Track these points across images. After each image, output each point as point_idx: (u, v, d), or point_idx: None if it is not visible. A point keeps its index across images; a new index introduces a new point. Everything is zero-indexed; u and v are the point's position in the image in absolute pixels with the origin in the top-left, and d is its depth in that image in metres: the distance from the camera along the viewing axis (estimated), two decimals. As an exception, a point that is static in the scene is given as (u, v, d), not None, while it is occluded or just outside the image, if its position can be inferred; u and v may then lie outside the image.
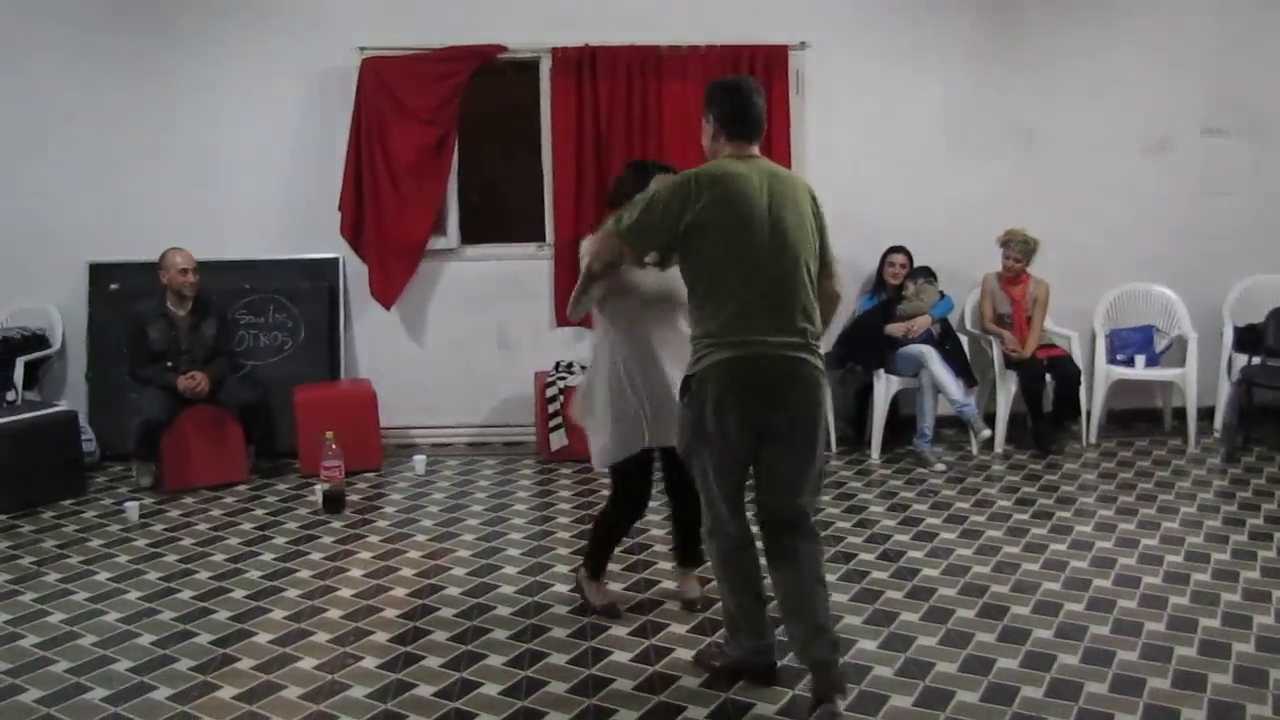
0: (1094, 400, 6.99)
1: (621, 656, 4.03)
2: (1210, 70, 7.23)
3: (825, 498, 5.95)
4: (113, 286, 6.87)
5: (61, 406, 6.44)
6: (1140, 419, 7.42)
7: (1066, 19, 7.14)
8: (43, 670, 3.99)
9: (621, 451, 4.13)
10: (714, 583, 3.98)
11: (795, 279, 3.56)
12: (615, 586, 4.66)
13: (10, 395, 6.55)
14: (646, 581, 4.77)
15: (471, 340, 7.06)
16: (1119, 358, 7.08)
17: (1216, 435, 7.03)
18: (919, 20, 7.10)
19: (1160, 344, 7.12)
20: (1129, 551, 5.02)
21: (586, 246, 3.98)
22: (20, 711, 3.69)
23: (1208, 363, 6.98)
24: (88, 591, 4.75)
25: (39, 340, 6.88)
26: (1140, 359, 7.01)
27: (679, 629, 4.27)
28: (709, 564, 3.98)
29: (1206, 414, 7.13)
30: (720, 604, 3.93)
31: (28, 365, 6.72)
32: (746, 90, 3.66)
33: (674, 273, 3.81)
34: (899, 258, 6.88)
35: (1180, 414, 7.03)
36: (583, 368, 6.85)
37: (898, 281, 6.87)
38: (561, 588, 4.70)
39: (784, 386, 3.54)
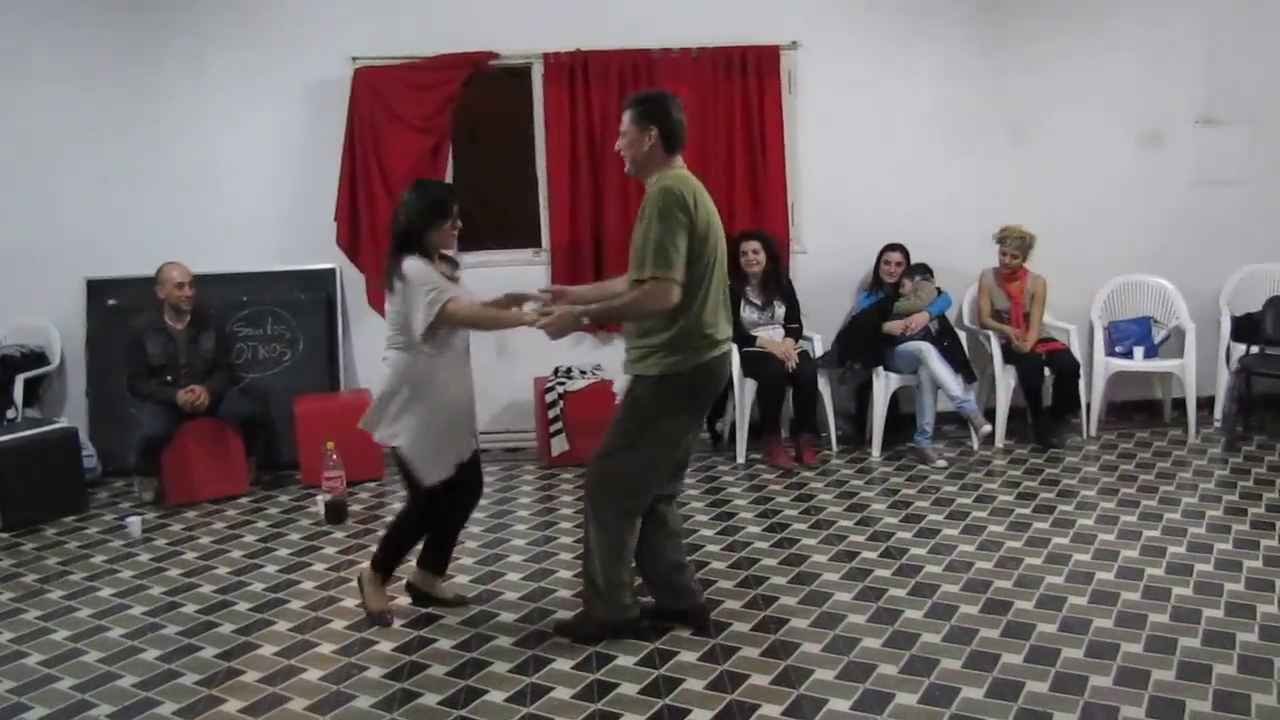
0: (1093, 393, 7.00)
1: (626, 660, 4.03)
2: (1204, 60, 7.24)
3: (827, 495, 5.96)
4: (111, 302, 6.88)
5: (62, 423, 6.43)
6: (1140, 410, 7.43)
7: (1058, 12, 7.15)
8: (48, 688, 3.99)
9: (454, 462, 4.37)
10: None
11: None
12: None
13: (10, 413, 6.55)
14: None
15: (469, 347, 7.04)
16: (1117, 350, 7.08)
17: (1217, 425, 7.04)
18: (910, 17, 7.11)
19: (1158, 335, 7.13)
20: (1131, 543, 5.02)
21: (644, 301, 3.85)
22: (26, 729, 3.70)
23: (1206, 353, 6.99)
24: (91, 608, 4.75)
25: (38, 357, 6.88)
26: (1139, 350, 7.02)
27: (683, 631, 4.26)
28: (594, 531, 4.12)
29: (1206, 404, 7.15)
30: (589, 570, 4.16)
31: (27, 383, 6.72)
32: (682, 109, 4.01)
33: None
34: (895, 255, 6.89)
35: (1180, 404, 7.04)
36: (581, 372, 6.86)
37: (894, 280, 6.88)
38: (565, 592, 4.70)
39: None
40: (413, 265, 4.14)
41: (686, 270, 3.80)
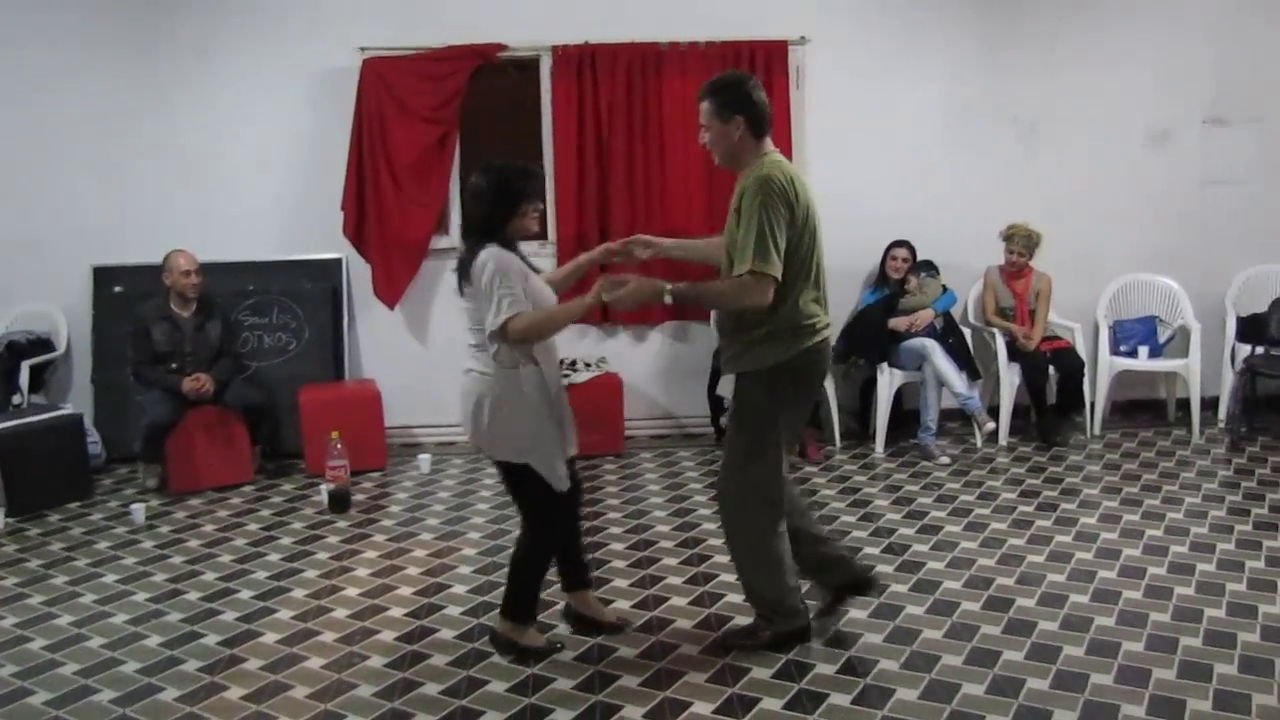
0: (1098, 392, 6.99)
1: (628, 652, 4.04)
2: (1212, 60, 7.22)
3: (830, 491, 5.97)
4: (117, 289, 6.89)
5: (67, 410, 6.44)
6: (1144, 410, 7.42)
7: (1066, 9, 7.13)
8: (51, 672, 4.01)
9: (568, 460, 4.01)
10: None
11: None
12: (624, 604, 4.64)
13: (16, 399, 6.57)
14: (652, 578, 4.78)
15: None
16: (1122, 349, 7.08)
17: (1221, 425, 7.03)
18: (917, 13, 7.10)
19: (1163, 335, 7.13)
20: (1134, 542, 5.02)
21: (727, 289, 3.75)
22: (30, 714, 3.71)
23: (1211, 353, 6.98)
24: (95, 594, 4.77)
25: (44, 344, 6.89)
26: (1143, 350, 7.01)
27: (684, 623, 4.27)
28: (745, 551, 3.98)
29: (1210, 404, 7.14)
30: (756, 590, 4.02)
31: (33, 369, 6.74)
32: (761, 88, 3.83)
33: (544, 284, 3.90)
34: (901, 252, 6.89)
35: (1184, 404, 7.03)
36: (586, 364, 6.86)
37: (900, 276, 6.88)
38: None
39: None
40: (500, 258, 3.72)
41: (787, 259, 3.66)
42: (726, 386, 3.89)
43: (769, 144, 3.81)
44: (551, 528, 4.00)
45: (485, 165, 3.88)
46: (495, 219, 3.78)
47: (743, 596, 4.17)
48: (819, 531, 4.23)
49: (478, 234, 3.81)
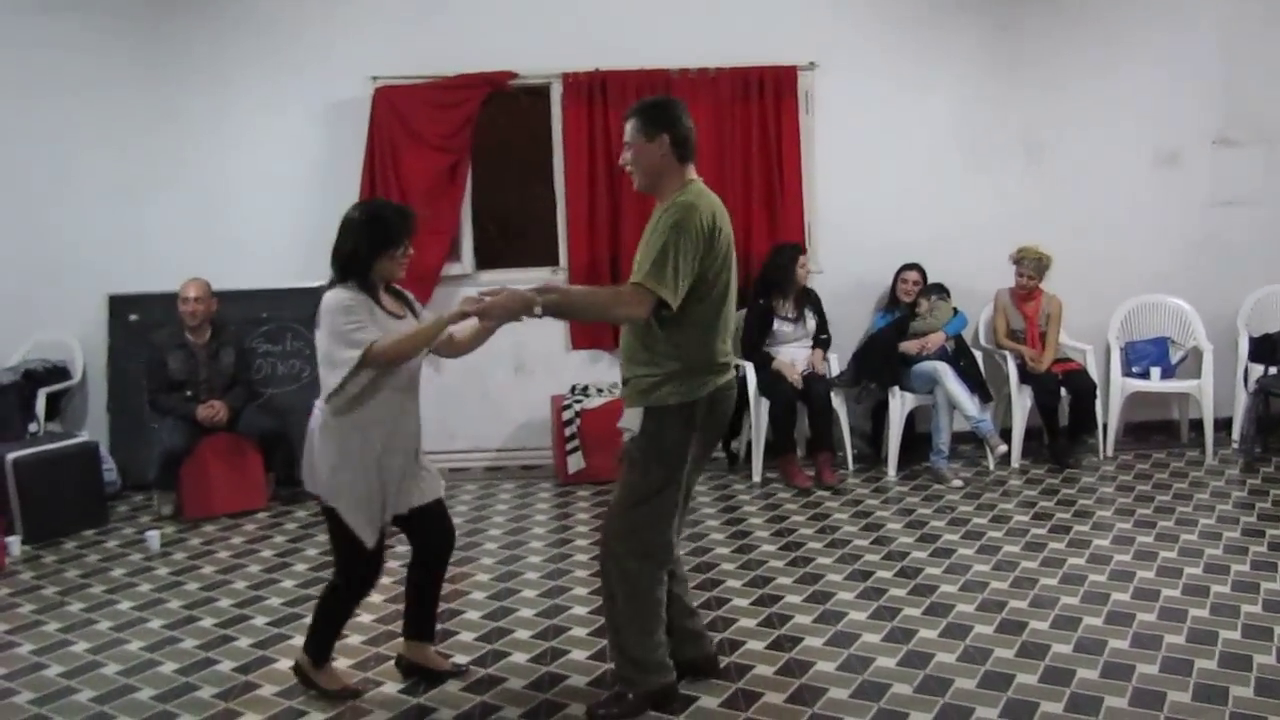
0: (1110, 413, 6.98)
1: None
2: (1221, 81, 7.25)
3: (843, 515, 5.96)
4: (132, 318, 6.94)
5: (83, 437, 6.49)
6: (1157, 431, 7.41)
7: (1074, 31, 7.17)
8: (67, 699, 4.03)
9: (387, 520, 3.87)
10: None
11: None
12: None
13: (32, 427, 6.61)
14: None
15: (487, 365, 7.06)
16: (1134, 370, 7.07)
17: (1234, 446, 7.02)
18: (926, 37, 7.14)
19: (1175, 356, 7.12)
20: (1148, 564, 5.01)
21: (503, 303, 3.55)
22: (46, 741, 3.74)
23: (1224, 374, 6.97)
24: (110, 621, 4.79)
25: (60, 372, 6.95)
26: (1156, 371, 7.00)
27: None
28: (623, 599, 3.73)
29: (1224, 425, 7.12)
30: (626, 647, 3.76)
31: (49, 397, 6.79)
32: (689, 114, 3.72)
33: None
34: (912, 274, 6.91)
35: (1197, 425, 7.02)
36: (599, 390, 6.88)
37: (911, 299, 6.89)
38: (580, 610, 4.71)
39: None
40: (337, 301, 3.65)
41: (704, 295, 3.54)
42: (631, 419, 3.63)
43: (693, 171, 3.68)
44: (352, 576, 3.86)
45: (362, 201, 3.86)
46: (361, 256, 3.68)
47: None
48: (690, 604, 4.03)
49: (340, 270, 3.72)
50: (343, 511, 3.74)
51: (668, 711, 3.75)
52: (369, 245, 3.68)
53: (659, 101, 3.80)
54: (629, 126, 3.67)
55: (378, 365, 3.64)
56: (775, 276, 6.78)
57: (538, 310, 3.51)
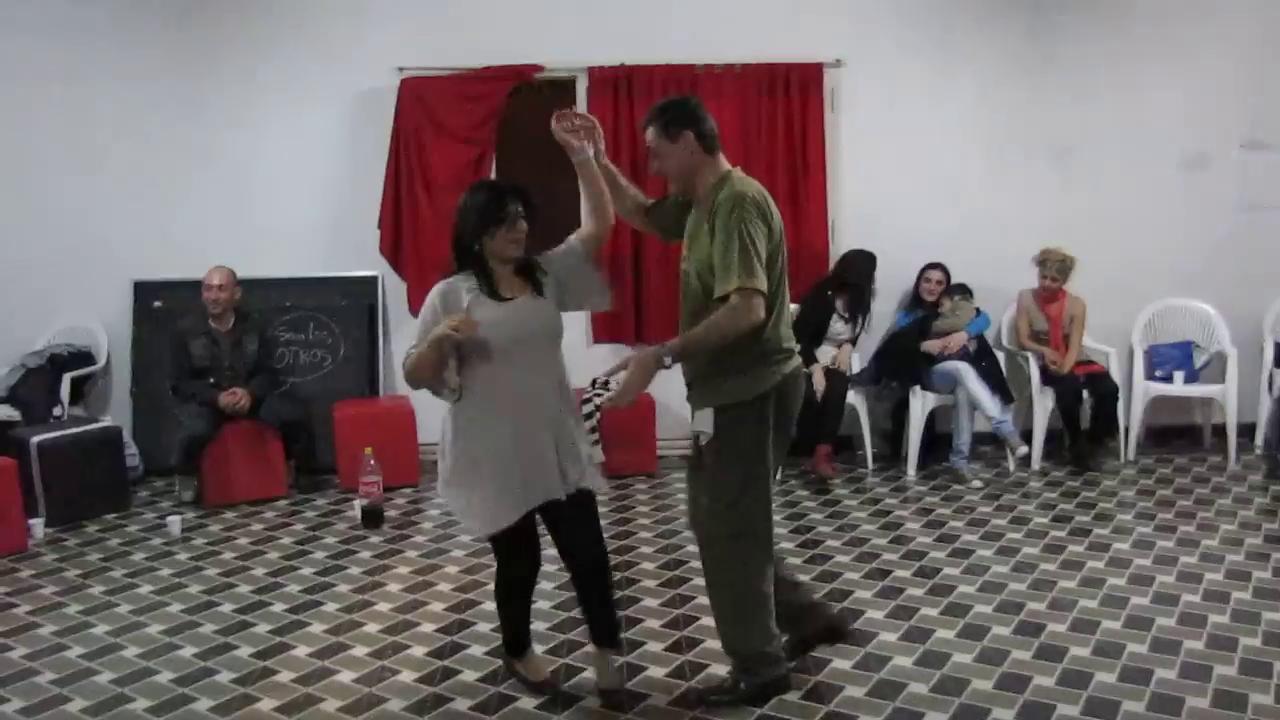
0: (1132, 417, 6.94)
1: (656, 672, 4.05)
2: (1249, 83, 7.18)
3: (861, 514, 5.95)
4: (156, 304, 6.99)
5: (106, 422, 6.54)
6: (1179, 435, 7.36)
7: (1102, 32, 7.12)
8: (88, 681, 4.06)
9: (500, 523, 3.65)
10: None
11: None
12: (654, 624, 4.60)
13: (57, 411, 6.65)
14: (682, 598, 4.78)
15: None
16: (1158, 374, 7.02)
17: (1258, 452, 6.96)
18: (953, 37, 7.11)
19: (1199, 360, 7.07)
20: (1168, 569, 4.98)
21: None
22: (66, 722, 3.77)
23: (1248, 379, 6.91)
24: (131, 604, 4.83)
25: (85, 357, 6.99)
26: (1179, 375, 6.96)
27: (714, 644, 4.26)
28: (731, 597, 3.74)
29: (1247, 430, 7.06)
30: (736, 640, 3.78)
31: (74, 381, 6.83)
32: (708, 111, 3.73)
33: (533, 305, 3.67)
34: (936, 274, 6.88)
35: (1220, 431, 6.98)
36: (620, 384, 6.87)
37: (934, 298, 6.86)
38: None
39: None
40: (431, 293, 3.68)
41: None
42: (703, 421, 3.60)
43: (725, 162, 3.67)
44: (499, 562, 3.82)
45: (475, 184, 3.80)
46: (464, 241, 3.64)
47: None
48: (793, 576, 4.11)
49: (456, 254, 3.70)
50: (450, 500, 3.73)
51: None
52: (469, 229, 3.62)
53: (674, 102, 3.78)
54: (650, 133, 3.66)
55: (407, 376, 3.60)
56: (853, 279, 6.81)
57: (667, 362, 3.48)
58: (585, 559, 3.74)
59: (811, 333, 6.69)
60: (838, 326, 6.81)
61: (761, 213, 3.50)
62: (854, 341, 6.91)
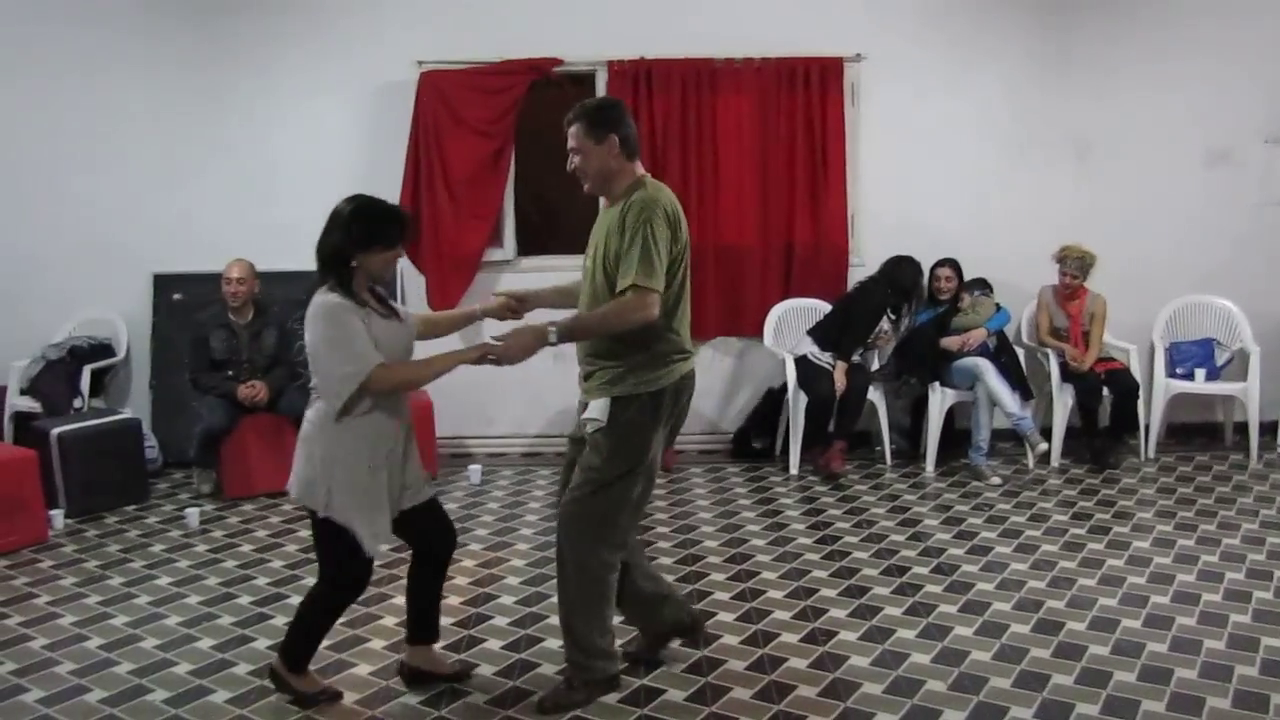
0: (1153, 414, 6.90)
1: (674, 666, 4.04)
2: (1273, 77, 7.13)
3: (880, 510, 5.93)
4: (176, 297, 7.01)
5: (126, 414, 6.56)
6: (1200, 433, 7.32)
7: (1124, 28, 7.07)
8: (106, 671, 4.08)
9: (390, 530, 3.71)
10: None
11: None
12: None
13: (77, 403, 6.69)
14: (700, 593, 4.78)
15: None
16: (1179, 371, 6.98)
17: (1279, 451, 6.92)
18: (974, 32, 7.07)
19: (1221, 357, 7.02)
20: (1188, 568, 4.95)
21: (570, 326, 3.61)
22: (86, 711, 3.78)
23: (1271, 376, 6.85)
24: (149, 595, 4.85)
25: (105, 349, 7.02)
26: (1200, 372, 6.91)
27: (731, 640, 4.27)
28: (578, 584, 3.75)
29: (1269, 429, 7.00)
30: (577, 631, 3.78)
31: (94, 373, 6.87)
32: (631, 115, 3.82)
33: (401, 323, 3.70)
34: (944, 271, 6.83)
35: (1242, 428, 6.93)
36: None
37: (947, 296, 6.82)
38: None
39: None
40: (329, 309, 3.48)
41: (667, 283, 3.58)
42: (597, 410, 3.64)
43: (640, 168, 3.75)
44: (344, 582, 3.72)
45: (354, 195, 3.64)
46: (349, 251, 3.50)
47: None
48: (652, 570, 4.15)
49: (325, 266, 3.55)
50: (351, 523, 3.54)
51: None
52: (352, 241, 3.50)
53: (604, 103, 3.86)
54: (574, 130, 3.71)
55: (380, 390, 3.52)
56: (910, 288, 6.79)
57: (552, 339, 3.58)
58: (444, 550, 3.91)
59: (863, 333, 6.68)
60: (885, 326, 6.81)
61: (670, 221, 3.59)
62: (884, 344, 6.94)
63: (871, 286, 6.80)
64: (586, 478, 3.69)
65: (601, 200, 3.88)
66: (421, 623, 3.96)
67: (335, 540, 3.58)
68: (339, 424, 3.54)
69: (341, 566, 3.66)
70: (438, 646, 4.06)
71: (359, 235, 3.51)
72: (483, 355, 3.67)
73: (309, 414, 3.64)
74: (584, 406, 3.75)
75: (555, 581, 3.84)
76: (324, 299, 3.50)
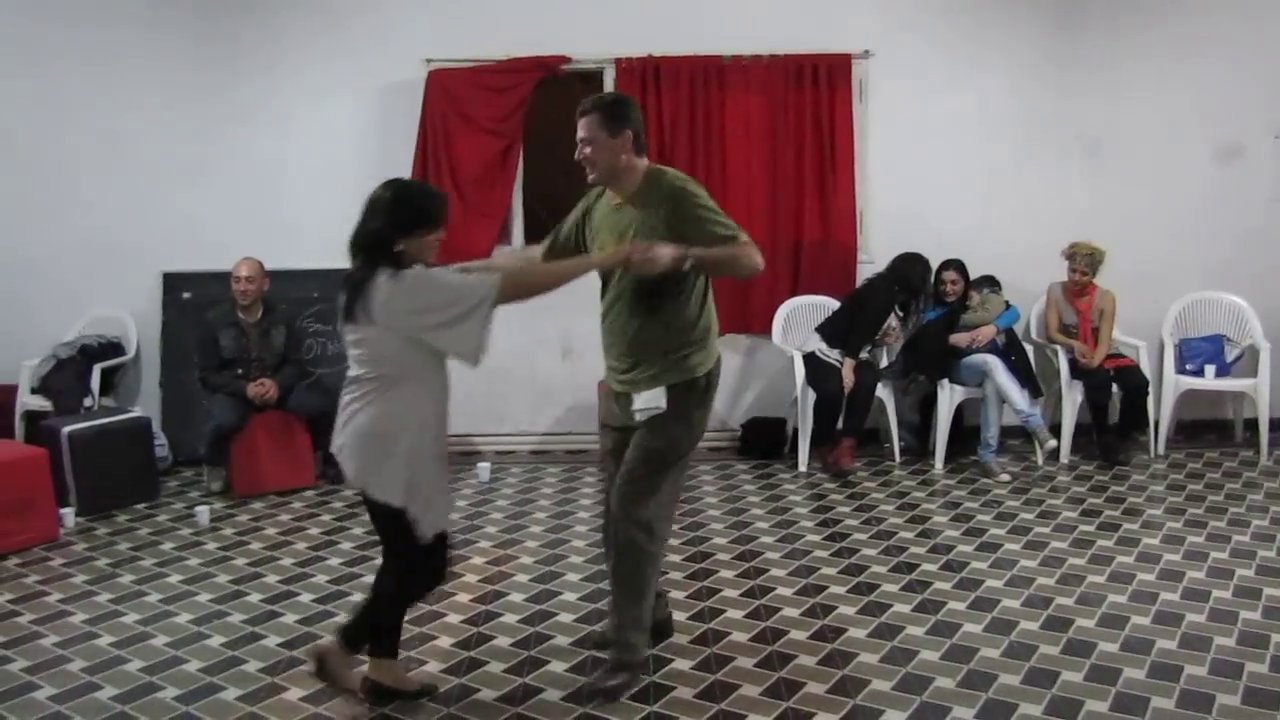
0: (1162, 411, 6.88)
1: (683, 664, 4.04)
2: (1282, 74, 7.13)
3: (889, 507, 5.93)
4: (185, 295, 7.03)
5: (136, 412, 6.58)
6: (1210, 430, 7.31)
7: (1133, 24, 7.06)
8: (117, 669, 4.09)
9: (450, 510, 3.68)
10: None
11: None
12: (680, 616, 4.57)
13: (87, 401, 6.71)
14: (709, 589, 4.78)
15: (535, 349, 7.10)
16: (1188, 367, 6.97)
17: (1290, 447, 6.91)
18: (982, 28, 7.06)
19: (1231, 354, 7.00)
20: (1198, 564, 4.94)
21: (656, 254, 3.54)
22: (97, 708, 3.79)
23: (1281, 373, 6.86)
24: (160, 593, 4.86)
25: (115, 348, 7.05)
26: (1210, 369, 6.89)
27: (740, 636, 4.27)
28: (645, 578, 3.82)
29: (1279, 425, 6.99)
30: (641, 622, 3.84)
31: (104, 372, 6.90)
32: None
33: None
34: (949, 274, 6.80)
35: (1252, 425, 6.91)
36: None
37: (954, 298, 6.80)
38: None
39: None
40: (410, 281, 3.43)
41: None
42: (654, 399, 3.76)
43: (646, 162, 3.84)
44: (415, 572, 3.68)
45: (390, 180, 3.65)
46: (390, 235, 3.46)
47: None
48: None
49: (366, 249, 3.51)
50: (414, 511, 3.51)
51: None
52: (398, 224, 3.48)
53: (620, 99, 3.94)
54: (589, 121, 3.75)
55: (517, 298, 3.53)
56: (918, 284, 6.79)
57: (689, 264, 3.60)
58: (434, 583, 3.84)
59: (870, 330, 6.68)
60: (893, 322, 6.80)
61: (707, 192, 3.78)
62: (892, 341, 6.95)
63: (880, 283, 6.79)
64: (650, 461, 3.77)
65: (607, 198, 3.90)
66: (390, 634, 3.82)
67: (403, 532, 3.56)
68: (398, 402, 3.52)
69: (412, 556, 3.61)
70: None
71: (403, 219, 3.48)
72: (626, 258, 3.58)
73: (358, 403, 3.58)
74: (623, 397, 3.86)
75: (610, 568, 3.92)
76: (392, 279, 3.41)
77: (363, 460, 3.55)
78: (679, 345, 3.77)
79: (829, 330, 6.75)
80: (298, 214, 7.06)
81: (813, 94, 6.96)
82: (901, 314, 6.81)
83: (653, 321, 3.76)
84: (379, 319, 3.43)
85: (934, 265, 6.86)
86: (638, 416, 3.78)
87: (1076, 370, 6.74)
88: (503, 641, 4.29)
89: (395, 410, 3.52)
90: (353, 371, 3.60)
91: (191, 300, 6.98)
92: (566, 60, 6.96)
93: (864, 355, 6.71)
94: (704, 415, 3.86)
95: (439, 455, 3.64)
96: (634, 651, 3.85)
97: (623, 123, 3.73)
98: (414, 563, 3.63)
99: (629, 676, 3.83)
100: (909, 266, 6.77)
